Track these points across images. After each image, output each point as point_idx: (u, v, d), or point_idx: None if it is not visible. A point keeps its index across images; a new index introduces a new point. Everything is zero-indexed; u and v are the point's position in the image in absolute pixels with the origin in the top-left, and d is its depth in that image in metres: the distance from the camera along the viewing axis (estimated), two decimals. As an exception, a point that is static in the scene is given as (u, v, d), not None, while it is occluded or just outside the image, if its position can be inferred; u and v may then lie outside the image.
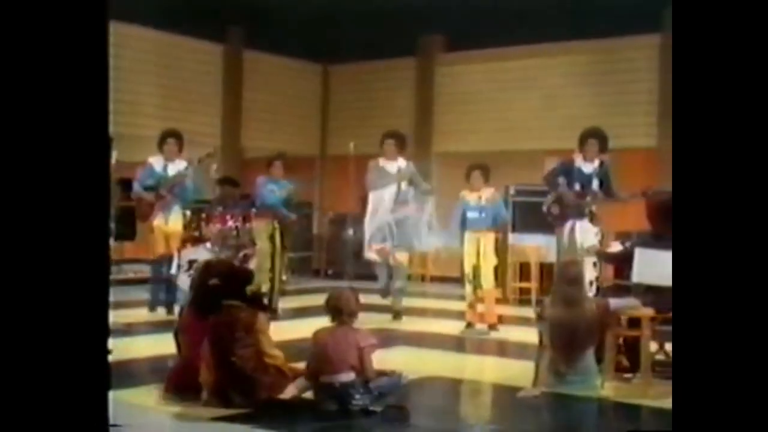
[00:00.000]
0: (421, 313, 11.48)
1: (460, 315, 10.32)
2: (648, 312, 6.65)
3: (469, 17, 14.12)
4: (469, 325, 9.78)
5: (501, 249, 11.67)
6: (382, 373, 5.87)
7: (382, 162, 10.57)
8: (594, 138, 9.49)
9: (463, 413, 6.59)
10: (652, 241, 7.04)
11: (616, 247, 7.80)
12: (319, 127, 17.26)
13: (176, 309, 9.34)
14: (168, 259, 10.41)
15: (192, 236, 12.42)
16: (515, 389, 6.57)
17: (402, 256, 10.37)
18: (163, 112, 14.53)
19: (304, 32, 15.18)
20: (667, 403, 6.21)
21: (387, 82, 16.49)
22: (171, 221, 10.58)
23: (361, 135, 15.59)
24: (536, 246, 12.16)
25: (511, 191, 13.30)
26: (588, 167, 9.44)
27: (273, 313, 10.21)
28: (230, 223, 10.70)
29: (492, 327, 9.66)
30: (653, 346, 7.28)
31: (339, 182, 15.16)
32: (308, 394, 5.84)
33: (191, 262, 12.92)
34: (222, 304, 5.90)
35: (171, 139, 10.65)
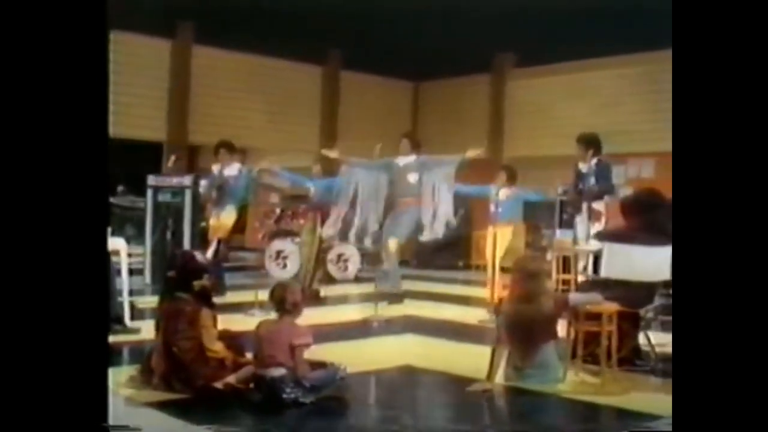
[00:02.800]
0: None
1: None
2: (608, 308, 5.37)
3: (536, 36, 12.97)
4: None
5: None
6: (319, 365, 4.86)
7: (396, 159, 9.56)
8: (580, 143, 8.98)
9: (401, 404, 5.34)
10: (622, 235, 5.76)
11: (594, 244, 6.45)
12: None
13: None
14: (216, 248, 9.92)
15: (282, 230, 11.85)
16: (470, 380, 5.39)
17: (392, 243, 9.19)
18: (271, 125, 14.03)
19: (396, 51, 14.17)
20: (621, 400, 5.10)
21: (465, 96, 15.39)
22: (222, 217, 9.97)
23: (446, 143, 14.96)
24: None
25: (559, 190, 12.01)
26: (584, 167, 8.91)
27: (316, 299, 9.53)
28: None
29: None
30: (641, 338, 6.08)
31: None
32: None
33: (279, 252, 12.34)
34: (174, 295, 5.04)
35: (222, 149, 10.12)
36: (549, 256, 11.44)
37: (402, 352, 6.79)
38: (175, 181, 11.16)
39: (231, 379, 4.79)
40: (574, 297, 5.36)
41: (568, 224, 11.37)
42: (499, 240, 9.02)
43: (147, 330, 6.88)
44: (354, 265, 12.60)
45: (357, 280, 12.21)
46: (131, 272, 11.37)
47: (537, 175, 14.06)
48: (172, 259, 5.62)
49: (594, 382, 5.48)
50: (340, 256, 12.52)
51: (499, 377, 5.35)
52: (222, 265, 10.22)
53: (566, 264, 11.21)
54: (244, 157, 10.62)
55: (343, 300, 10.27)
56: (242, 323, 8.01)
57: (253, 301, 8.70)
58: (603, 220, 8.72)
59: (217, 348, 4.90)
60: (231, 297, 9.69)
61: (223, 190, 9.96)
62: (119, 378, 5.21)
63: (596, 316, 5.36)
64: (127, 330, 7.01)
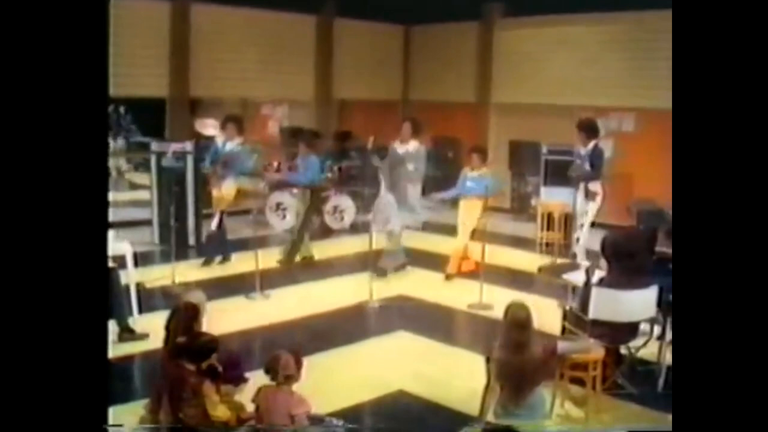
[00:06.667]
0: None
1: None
2: (594, 356, 5.20)
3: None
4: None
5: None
6: (317, 420, 4.71)
7: (397, 145, 9.44)
8: (581, 130, 8.89)
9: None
10: (607, 281, 5.54)
11: (581, 274, 6.19)
12: (401, 77, 15.60)
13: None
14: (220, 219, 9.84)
15: (281, 181, 11.60)
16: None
17: (396, 227, 9.36)
18: (267, 75, 13.53)
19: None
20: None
21: (455, 42, 14.77)
22: (224, 189, 9.72)
23: (440, 82, 14.57)
24: (561, 203, 10.52)
25: (543, 150, 11.73)
26: (582, 150, 8.90)
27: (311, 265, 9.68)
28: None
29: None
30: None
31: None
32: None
33: (279, 204, 12.11)
34: (179, 362, 4.78)
35: (230, 123, 9.80)
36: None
37: (396, 369, 6.53)
38: (176, 146, 10.80)
39: (237, 437, 4.64)
40: (562, 346, 5.15)
41: (554, 183, 11.22)
42: (470, 211, 9.21)
43: (155, 333, 6.79)
44: (349, 216, 12.37)
45: (352, 229, 12.02)
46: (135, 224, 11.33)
47: (522, 123, 13.74)
48: (178, 331, 5.14)
49: (579, 415, 5.38)
50: (336, 207, 12.28)
51: (490, 415, 5.23)
52: (226, 235, 10.00)
53: (550, 223, 11.06)
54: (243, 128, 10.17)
55: (338, 265, 10.04)
56: (243, 309, 8.00)
57: (253, 271, 8.60)
58: (598, 199, 8.84)
59: (220, 413, 4.71)
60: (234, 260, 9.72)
61: (226, 164, 9.66)
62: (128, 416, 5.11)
63: (583, 363, 5.21)
64: (135, 337, 6.82)
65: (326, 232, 11.92)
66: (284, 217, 12.10)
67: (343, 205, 12.33)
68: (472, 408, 5.30)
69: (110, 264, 6.89)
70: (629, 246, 5.53)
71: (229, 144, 9.69)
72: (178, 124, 12.70)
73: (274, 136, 15.94)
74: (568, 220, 10.50)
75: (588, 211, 8.85)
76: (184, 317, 5.00)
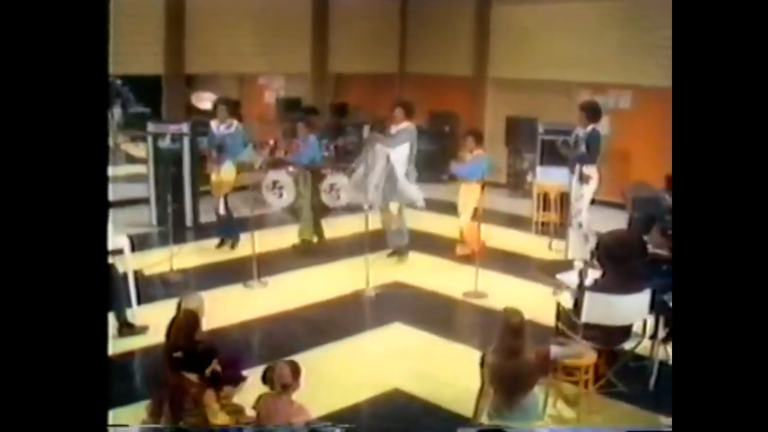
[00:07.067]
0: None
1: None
2: (586, 361, 5.29)
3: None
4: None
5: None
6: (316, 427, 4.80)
7: (390, 128, 9.45)
8: (583, 110, 8.94)
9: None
10: (600, 286, 5.60)
11: (574, 276, 6.24)
12: (397, 51, 15.48)
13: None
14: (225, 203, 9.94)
15: (278, 159, 11.60)
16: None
17: (393, 207, 9.46)
18: (263, 50, 13.44)
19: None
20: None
21: (452, 16, 14.57)
22: (222, 173, 9.72)
23: (437, 56, 14.49)
24: (557, 183, 10.53)
25: (540, 130, 11.70)
26: (581, 132, 8.91)
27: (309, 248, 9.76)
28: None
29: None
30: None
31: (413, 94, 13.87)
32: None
33: (275, 183, 12.11)
34: (180, 373, 4.85)
35: (222, 106, 9.84)
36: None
37: (391, 366, 6.61)
38: (173, 128, 10.80)
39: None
40: (555, 351, 5.22)
41: (550, 162, 11.22)
42: (470, 193, 9.21)
43: (154, 326, 6.87)
44: (346, 194, 12.38)
45: (348, 207, 12.05)
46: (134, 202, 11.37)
47: (519, 99, 13.69)
48: (175, 343, 5.08)
49: (571, 416, 5.49)
50: (332, 185, 12.26)
51: (484, 418, 5.33)
52: (233, 217, 10.05)
53: (546, 204, 11.11)
54: (238, 111, 10.17)
55: (336, 247, 10.09)
56: (241, 299, 8.07)
57: (251, 255, 8.69)
58: (592, 183, 8.90)
59: (221, 420, 4.80)
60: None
61: (221, 148, 9.66)
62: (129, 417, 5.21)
63: (575, 367, 5.30)
64: (135, 331, 6.90)
65: (323, 211, 11.95)
66: (281, 195, 12.11)
67: (339, 183, 12.33)
68: (467, 407, 5.37)
69: (109, 260, 6.97)
70: (622, 251, 5.57)
71: (222, 127, 9.68)
72: (174, 102, 12.66)
73: (270, 107, 15.91)
74: (564, 201, 10.56)
75: (583, 195, 8.89)
76: (185, 326, 5.05)
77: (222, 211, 9.90)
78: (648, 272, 5.63)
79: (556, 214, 10.80)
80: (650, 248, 5.97)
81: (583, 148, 8.77)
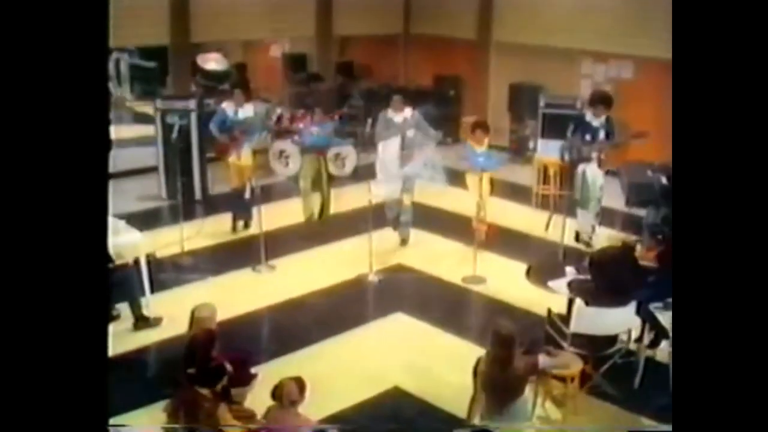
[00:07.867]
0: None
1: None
2: (573, 371, 5.63)
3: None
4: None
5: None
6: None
7: (390, 113, 9.51)
8: (602, 103, 9.32)
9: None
10: (591, 299, 5.89)
11: (570, 274, 6.52)
12: (402, 11, 15.44)
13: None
14: (242, 189, 9.99)
15: (283, 129, 11.76)
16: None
17: (407, 199, 9.60)
18: (265, 16, 13.47)
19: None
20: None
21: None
22: (243, 157, 9.93)
23: (441, 17, 14.50)
24: (556, 159, 10.69)
25: (541, 103, 11.81)
26: (596, 122, 9.29)
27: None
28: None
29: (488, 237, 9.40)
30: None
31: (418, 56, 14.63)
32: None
33: (282, 152, 12.31)
34: (194, 389, 5.18)
35: (238, 90, 10.02)
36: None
37: (392, 360, 6.90)
38: (180, 104, 10.99)
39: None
40: (543, 361, 5.55)
41: (551, 135, 11.38)
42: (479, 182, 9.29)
43: (168, 316, 7.22)
44: (351, 163, 12.57)
45: (354, 176, 12.28)
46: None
47: (523, 65, 13.74)
48: (188, 357, 5.44)
49: (558, 417, 5.86)
50: (337, 155, 12.47)
51: (476, 419, 5.71)
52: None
53: (546, 177, 11.31)
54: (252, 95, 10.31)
55: (341, 224, 10.35)
56: (248, 286, 8.38)
57: (258, 236, 8.99)
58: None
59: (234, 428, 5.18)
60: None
61: (240, 132, 9.81)
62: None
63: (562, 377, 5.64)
64: (149, 323, 7.23)
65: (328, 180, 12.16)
66: (287, 164, 12.34)
67: (344, 152, 12.53)
68: (463, 404, 5.72)
69: (126, 261, 7.27)
70: (613, 269, 5.85)
71: (241, 111, 9.81)
72: (180, 71, 12.80)
73: (276, 71, 15.98)
74: (564, 175, 10.77)
75: (601, 184, 9.33)
76: (202, 345, 5.39)
77: (248, 195, 9.92)
78: (636, 284, 5.91)
79: (556, 188, 11.01)
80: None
81: (602, 135, 9.18)
